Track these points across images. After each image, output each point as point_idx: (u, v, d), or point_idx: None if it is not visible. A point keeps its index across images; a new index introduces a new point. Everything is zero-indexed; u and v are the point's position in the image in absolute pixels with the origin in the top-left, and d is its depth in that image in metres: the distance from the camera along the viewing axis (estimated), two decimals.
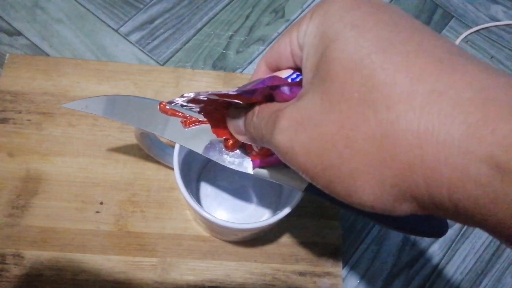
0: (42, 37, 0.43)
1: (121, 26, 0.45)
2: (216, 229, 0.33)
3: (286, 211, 0.27)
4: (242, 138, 0.22)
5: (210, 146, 0.26)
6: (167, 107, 0.26)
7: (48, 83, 0.40)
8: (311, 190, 0.24)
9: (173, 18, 0.46)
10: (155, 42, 0.44)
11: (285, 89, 0.18)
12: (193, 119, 0.26)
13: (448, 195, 0.13)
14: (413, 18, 0.16)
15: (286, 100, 0.19)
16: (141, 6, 0.46)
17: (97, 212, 0.36)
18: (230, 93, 0.19)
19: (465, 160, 0.12)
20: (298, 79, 0.19)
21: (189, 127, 0.26)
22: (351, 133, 0.14)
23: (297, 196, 0.28)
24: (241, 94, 0.19)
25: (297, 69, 0.20)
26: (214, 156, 0.26)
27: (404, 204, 0.15)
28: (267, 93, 0.19)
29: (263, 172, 0.25)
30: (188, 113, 0.26)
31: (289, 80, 0.19)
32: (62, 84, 0.40)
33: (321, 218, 0.37)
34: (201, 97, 0.20)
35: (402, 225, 0.23)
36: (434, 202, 0.14)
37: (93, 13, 0.45)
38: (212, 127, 0.24)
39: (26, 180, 0.37)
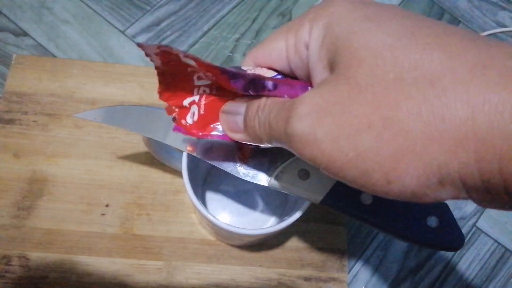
0: (48, 37, 0.43)
1: (128, 27, 0.45)
2: (222, 233, 0.33)
3: (294, 217, 0.27)
4: (237, 136, 0.20)
5: (224, 157, 0.26)
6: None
7: (54, 84, 0.40)
8: (327, 202, 0.24)
9: (180, 20, 0.46)
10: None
11: (269, 84, 0.18)
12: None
13: (499, 169, 0.13)
14: None
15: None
16: (148, 8, 0.46)
17: (103, 214, 0.36)
18: (214, 65, 0.18)
19: None
20: (282, 78, 0.19)
21: (202, 138, 0.26)
22: (391, 113, 0.14)
23: (305, 203, 0.27)
24: (224, 72, 0.18)
25: (283, 73, 0.20)
26: (228, 168, 0.26)
27: (447, 188, 0.14)
28: (246, 87, 0.18)
29: (278, 184, 0.25)
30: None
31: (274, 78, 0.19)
32: (69, 85, 0.40)
33: (327, 223, 0.37)
34: (174, 51, 0.18)
35: (416, 237, 0.23)
36: (483, 180, 0.13)
37: (99, 15, 0.45)
38: (160, 87, 0.21)
39: (31, 181, 0.37)
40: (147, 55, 0.19)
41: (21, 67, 0.40)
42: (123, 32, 0.44)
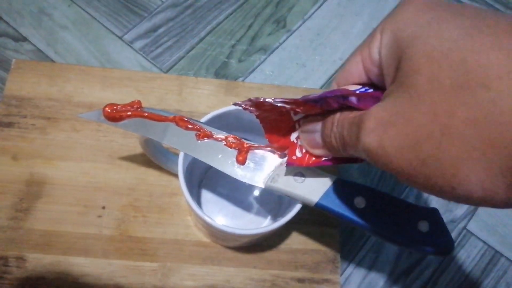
0: (47, 43, 0.44)
1: (126, 33, 0.45)
2: (217, 235, 0.34)
3: (287, 218, 0.28)
4: (318, 152, 0.22)
5: (223, 159, 0.26)
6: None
7: (53, 88, 0.41)
8: (321, 205, 0.25)
9: (177, 26, 0.46)
10: (159, 50, 0.45)
11: (353, 99, 0.18)
12: (207, 133, 0.27)
13: None
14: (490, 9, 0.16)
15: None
16: (146, 14, 0.47)
17: (99, 216, 0.37)
18: (298, 99, 0.20)
19: None
20: (365, 91, 0.19)
21: (202, 140, 0.27)
22: (448, 120, 0.14)
23: (298, 205, 0.28)
24: (307, 101, 0.20)
25: (369, 84, 0.20)
26: (226, 169, 0.26)
27: None
28: (334, 106, 0.20)
29: (275, 186, 0.26)
30: (201, 126, 0.27)
31: (357, 92, 0.20)
32: (67, 89, 0.41)
33: (320, 225, 0.38)
34: (267, 102, 0.21)
35: (407, 241, 0.24)
36: None
37: (98, 21, 0.46)
38: (266, 132, 0.25)
39: (29, 183, 0.37)
40: (244, 109, 0.22)
41: (20, 71, 0.41)
42: (120, 38, 0.45)
